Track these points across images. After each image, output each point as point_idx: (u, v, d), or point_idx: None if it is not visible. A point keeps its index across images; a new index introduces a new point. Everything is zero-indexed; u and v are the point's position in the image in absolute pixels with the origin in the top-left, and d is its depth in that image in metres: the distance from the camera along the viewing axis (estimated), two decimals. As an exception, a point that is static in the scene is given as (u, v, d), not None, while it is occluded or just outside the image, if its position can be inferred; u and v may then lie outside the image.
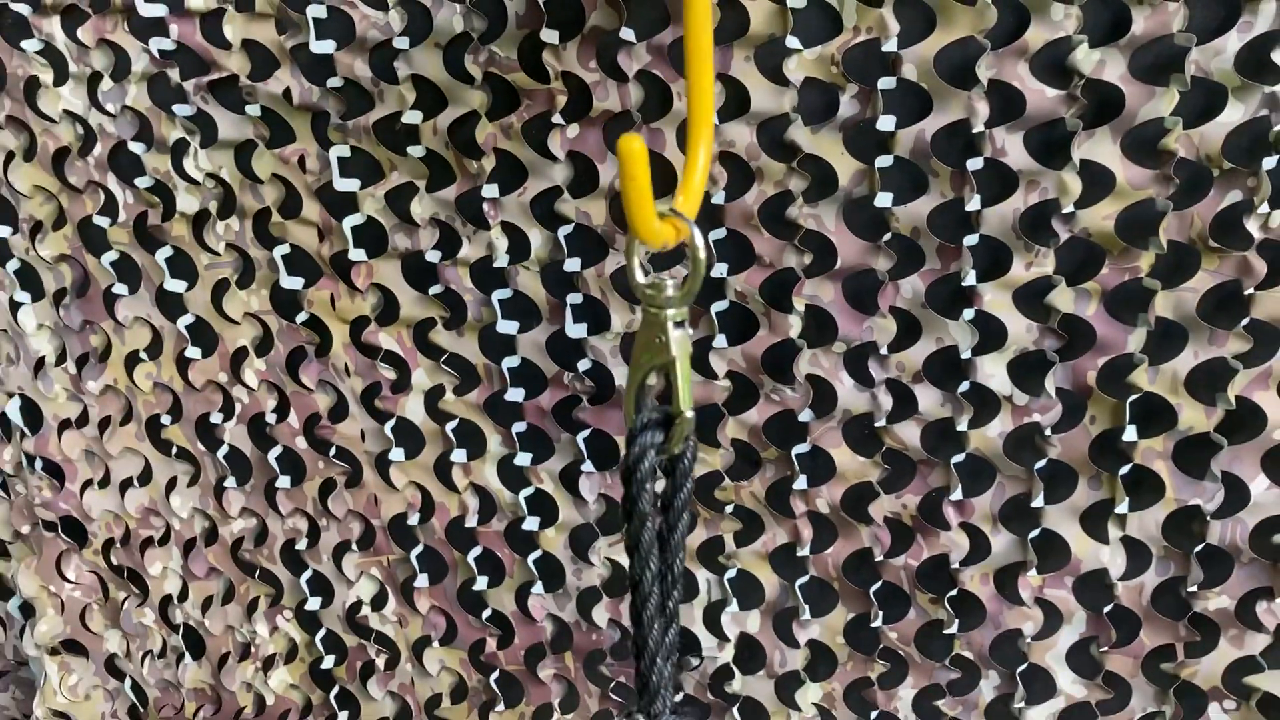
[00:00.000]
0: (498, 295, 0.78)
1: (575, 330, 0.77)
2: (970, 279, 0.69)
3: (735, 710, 0.85)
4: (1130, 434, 0.70)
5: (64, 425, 0.93)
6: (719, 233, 0.73)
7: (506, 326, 0.78)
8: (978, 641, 0.79)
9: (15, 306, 0.90)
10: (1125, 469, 0.71)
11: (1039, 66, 0.64)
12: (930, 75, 0.66)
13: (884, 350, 0.73)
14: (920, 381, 0.73)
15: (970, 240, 0.69)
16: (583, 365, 0.78)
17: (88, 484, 0.95)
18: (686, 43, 0.59)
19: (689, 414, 0.56)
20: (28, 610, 1.02)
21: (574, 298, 0.77)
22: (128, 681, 1.02)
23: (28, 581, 1.00)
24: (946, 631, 0.78)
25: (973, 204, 0.67)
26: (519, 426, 0.81)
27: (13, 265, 0.89)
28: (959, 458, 0.74)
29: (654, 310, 0.57)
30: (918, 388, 0.73)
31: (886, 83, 0.66)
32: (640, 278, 0.57)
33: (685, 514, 0.56)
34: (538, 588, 0.86)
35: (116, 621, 1.00)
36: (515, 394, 0.80)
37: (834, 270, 0.72)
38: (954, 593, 0.77)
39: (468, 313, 0.79)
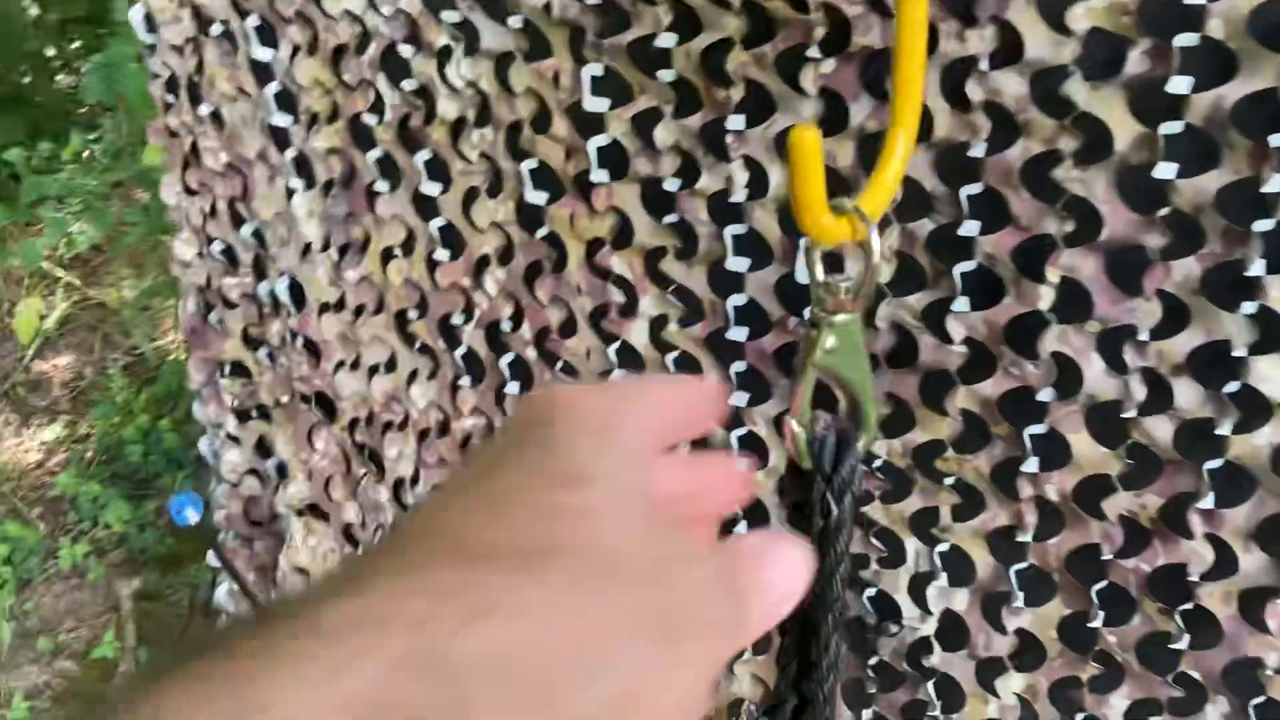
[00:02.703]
0: (732, 230, 0.75)
1: (807, 274, 0.74)
2: (1257, 268, 0.61)
3: (930, 685, 0.82)
4: None
5: (324, 308, 0.99)
6: (975, 187, 0.67)
7: (737, 263, 0.76)
8: (1208, 663, 0.72)
9: (290, 192, 0.96)
10: None
11: (1377, 33, 0.55)
12: (1241, 35, 0.57)
13: (1144, 335, 0.66)
14: (1181, 375, 0.66)
15: (1263, 225, 0.60)
16: (809, 312, 0.75)
17: (340, 364, 1.01)
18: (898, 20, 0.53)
19: (867, 438, 0.48)
20: (282, 471, 1.11)
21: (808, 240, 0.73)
22: (360, 550, 1.10)
23: (283, 445, 1.09)
24: (1174, 646, 0.72)
25: (1272, 185, 0.59)
26: (738, 366, 0.79)
27: (290, 154, 0.95)
28: (1215, 463, 0.66)
29: (833, 313, 0.49)
30: (1177, 381, 0.66)
31: (1187, 39, 0.58)
32: (820, 275, 0.49)
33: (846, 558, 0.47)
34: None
35: (354, 495, 1.07)
36: (738, 333, 0.78)
37: (1098, 242, 0.65)
38: (1188, 607, 0.70)
39: (699, 245, 0.77)
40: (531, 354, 0.89)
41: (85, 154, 2.11)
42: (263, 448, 1.13)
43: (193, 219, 1.05)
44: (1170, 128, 0.61)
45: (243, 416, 1.12)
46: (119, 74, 1.57)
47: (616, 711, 0.28)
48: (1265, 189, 0.59)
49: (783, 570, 0.36)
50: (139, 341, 2.16)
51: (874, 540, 0.80)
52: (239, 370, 1.10)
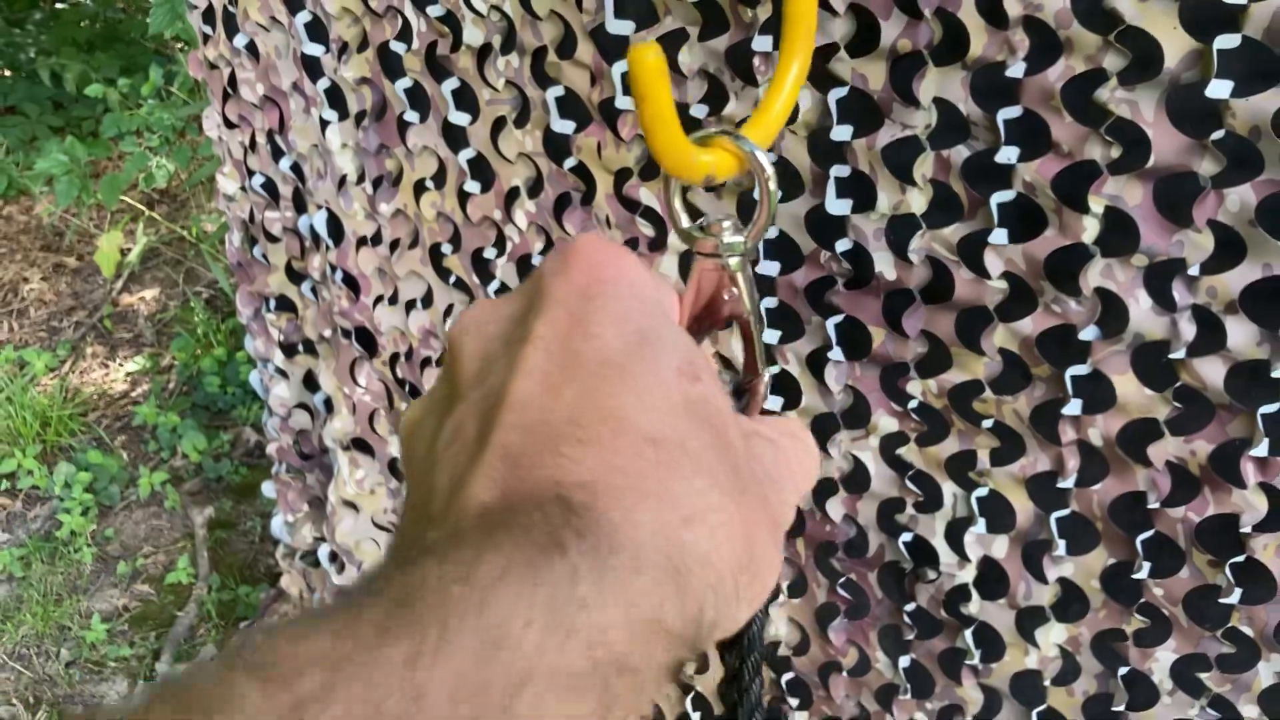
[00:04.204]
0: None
1: (838, 206, 0.71)
2: (1320, 197, 0.56)
3: (969, 633, 0.79)
4: None
5: (361, 242, 0.98)
6: (1013, 110, 0.63)
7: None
8: (1262, 618, 0.67)
9: (324, 124, 0.95)
10: None
11: None
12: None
13: (1194, 270, 0.61)
14: (1235, 313, 0.61)
15: (1328, 149, 0.55)
16: (842, 246, 0.71)
17: (379, 299, 1.00)
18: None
19: (768, 377, 0.45)
20: (329, 405, 1.12)
21: (840, 170, 0.70)
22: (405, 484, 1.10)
23: (327, 379, 1.09)
24: (1224, 600, 0.67)
25: (1338, 104, 0.54)
26: (769, 302, 0.76)
27: (323, 84, 0.93)
28: (1271, 408, 0.62)
29: (711, 257, 0.43)
30: (1230, 320, 0.61)
31: (1245, -60, 0.53)
32: (684, 221, 0.44)
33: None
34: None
35: (399, 429, 1.07)
36: (769, 267, 0.75)
37: (1145, 169, 0.60)
38: (1240, 559, 0.66)
39: (728, 175, 0.74)
40: (563, 289, 0.87)
41: (161, 90, 2.14)
42: (310, 382, 1.14)
43: (234, 152, 1.04)
44: (1226, 41, 0.55)
45: (289, 351, 1.12)
46: (182, 7, 1.57)
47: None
48: (1329, 108, 0.54)
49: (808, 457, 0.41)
50: (218, 274, 2.19)
51: (910, 484, 0.76)
52: (284, 304, 1.10)
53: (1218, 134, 0.57)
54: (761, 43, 0.68)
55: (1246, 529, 0.65)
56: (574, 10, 0.76)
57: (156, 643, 1.54)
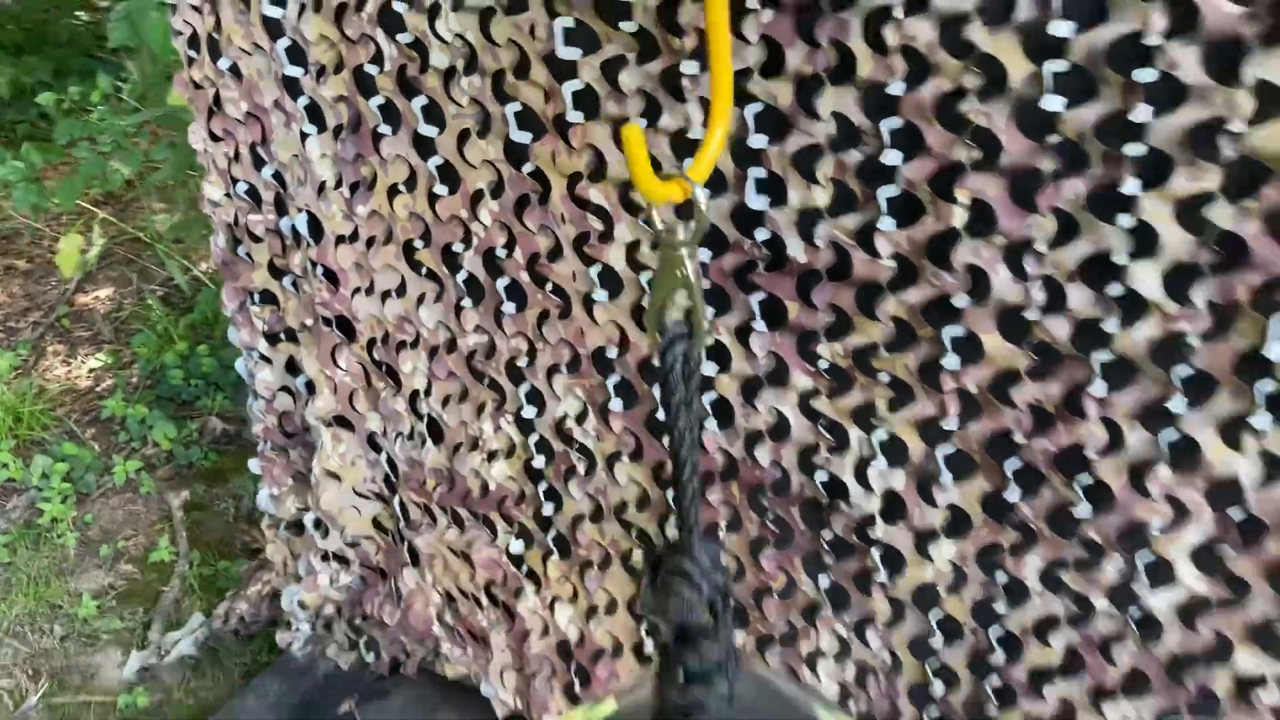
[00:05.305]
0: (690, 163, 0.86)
1: (757, 202, 0.85)
2: (1131, 187, 0.71)
3: (876, 554, 0.94)
4: (1274, 352, 0.71)
5: (339, 240, 1.10)
6: (895, 121, 0.77)
7: (697, 193, 0.86)
8: (1106, 527, 0.83)
9: (304, 136, 1.07)
10: (1267, 385, 0.73)
11: (1216, -16, 0.64)
12: (1107, -15, 0.67)
13: (1041, 247, 0.76)
14: (1073, 280, 0.76)
15: (1134, 150, 0.70)
16: (761, 235, 0.86)
17: (356, 290, 1.12)
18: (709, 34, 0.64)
19: (706, 324, 0.61)
20: (310, 387, 1.24)
21: (757, 171, 0.84)
22: (384, 455, 1.23)
23: (310, 363, 1.21)
24: (1077, 514, 0.83)
25: (1138, 114, 0.69)
26: (704, 284, 0.90)
27: (303, 101, 1.05)
28: (1104, 356, 0.77)
29: (671, 249, 0.61)
30: (1070, 286, 0.77)
31: (1066, -12, 0.68)
32: (658, 225, 0.62)
33: (698, 398, 0.60)
34: (712, 424, 0.96)
35: (376, 406, 1.20)
36: (702, 254, 0.89)
37: (1000, 167, 0.75)
38: (1088, 481, 0.82)
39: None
40: (524, 277, 1.01)
41: (111, 96, 2.21)
42: (292, 367, 1.26)
43: (219, 162, 1.16)
44: (1056, 66, 0.70)
45: (273, 339, 1.24)
46: (142, 20, 1.67)
47: None
48: (1131, 117, 0.69)
49: None
50: (174, 273, 2.28)
51: (823, 431, 0.91)
52: (267, 298, 1.22)
53: (1054, 138, 0.72)
54: (688, 67, 0.82)
55: (1092, 455, 0.81)
56: (528, 38, 0.89)
57: (146, 615, 1.65)
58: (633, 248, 0.93)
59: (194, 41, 1.11)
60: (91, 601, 1.67)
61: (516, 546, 1.17)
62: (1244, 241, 0.70)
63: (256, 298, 1.22)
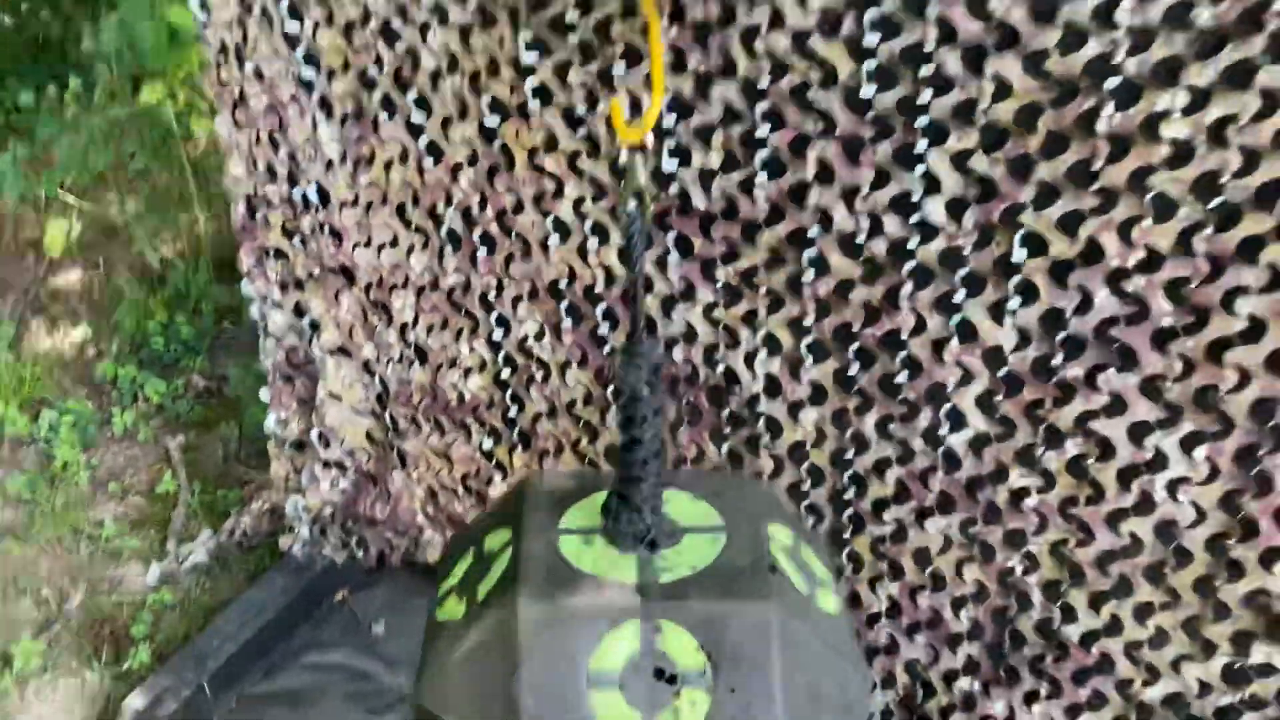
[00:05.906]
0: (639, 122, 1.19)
1: (669, 164, 1.18)
2: (922, 146, 1.06)
3: (761, 423, 1.28)
4: (1019, 255, 1.06)
5: (344, 204, 1.41)
6: (765, 104, 1.11)
7: (648, 137, 1.19)
8: (918, 388, 1.18)
9: (315, 124, 1.37)
10: (1016, 279, 1.08)
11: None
12: (902, 8, 1.01)
13: (865, 190, 1.10)
14: (888, 212, 1.11)
15: (922, 120, 1.05)
16: (673, 189, 1.19)
17: (356, 244, 1.43)
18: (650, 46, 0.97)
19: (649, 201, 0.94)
20: (315, 326, 1.54)
21: (669, 142, 1.17)
22: (377, 378, 1.53)
23: (316, 305, 1.51)
24: (897, 380, 1.18)
25: (924, 97, 1.03)
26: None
27: (316, 96, 1.35)
28: (910, 265, 1.12)
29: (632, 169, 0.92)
30: (886, 217, 1.11)
31: (873, 13, 1.02)
32: (624, 155, 0.93)
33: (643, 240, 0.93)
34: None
35: (372, 337, 1.50)
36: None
37: (836, 135, 1.09)
38: (904, 354, 1.17)
39: (601, 148, 1.20)
40: (494, 228, 1.32)
41: (82, 96, 2.46)
42: (298, 310, 1.56)
43: (241, 146, 1.45)
44: (869, 64, 1.04)
45: (284, 288, 1.54)
46: (135, 26, 1.93)
47: None
48: (919, 100, 1.03)
49: None
50: (146, 252, 2.53)
51: (721, 332, 1.25)
52: (279, 254, 1.51)
53: (870, 115, 1.06)
54: (618, 68, 1.15)
55: (905, 337, 1.15)
56: (498, 47, 1.21)
57: (159, 534, 1.92)
58: (579, 202, 1.26)
59: (223, 49, 1.40)
60: (111, 524, 1.94)
61: (488, 444, 1.48)
62: (994, 181, 1.05)
63: (271, 254, 1.52)
